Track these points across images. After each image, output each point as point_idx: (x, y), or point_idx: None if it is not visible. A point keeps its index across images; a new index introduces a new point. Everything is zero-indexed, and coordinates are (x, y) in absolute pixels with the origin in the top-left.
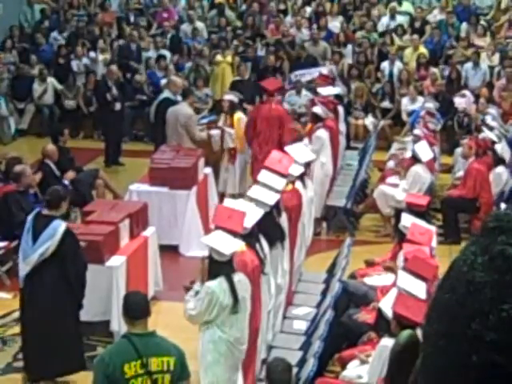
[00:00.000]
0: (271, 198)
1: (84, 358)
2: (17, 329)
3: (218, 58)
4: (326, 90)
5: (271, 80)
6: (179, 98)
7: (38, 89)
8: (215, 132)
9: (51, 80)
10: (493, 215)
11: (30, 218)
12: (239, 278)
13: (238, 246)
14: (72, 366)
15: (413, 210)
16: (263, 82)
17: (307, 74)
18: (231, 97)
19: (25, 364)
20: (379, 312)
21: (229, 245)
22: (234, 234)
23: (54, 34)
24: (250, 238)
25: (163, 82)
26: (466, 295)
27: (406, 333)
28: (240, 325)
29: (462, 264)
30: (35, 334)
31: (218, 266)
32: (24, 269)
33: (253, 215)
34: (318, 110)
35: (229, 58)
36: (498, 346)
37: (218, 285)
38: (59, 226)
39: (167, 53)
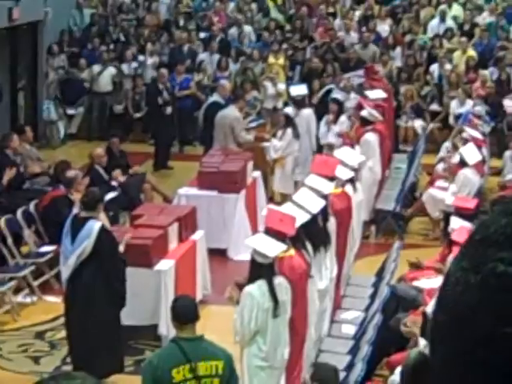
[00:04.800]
0: (315, 206)
1: (123, 359)
2: (65, 332)
3: (271, 59)
4: (374, 94)
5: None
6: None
7: (97, 69)
8: (267, 144)
9: (111, 70)
10: (478, 225)
11: (67, 221)
12: (279, 281)
13: (282, 248)
14: (112, 367)
15: (461, 213)
16: (368, 67)
17: (356, 77)
18: (289, 110)
19: (73, 366)
20: (424, 316)
21: (273, 247)
22: (284, 237)
23: (102, 47)
24: (298, 241)
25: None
26: (466, 320)
27: (413, 352)
28: (279, 329)
29: (455, 283)
30: (78, 335)
31: (259, 269)
32: (65, 272)
33: (298, 219)
34: (365, 113)
35: (281, 61)
36: (507, 371)
37: (258, 288)
38: (94, 225)
39: (217, 56)
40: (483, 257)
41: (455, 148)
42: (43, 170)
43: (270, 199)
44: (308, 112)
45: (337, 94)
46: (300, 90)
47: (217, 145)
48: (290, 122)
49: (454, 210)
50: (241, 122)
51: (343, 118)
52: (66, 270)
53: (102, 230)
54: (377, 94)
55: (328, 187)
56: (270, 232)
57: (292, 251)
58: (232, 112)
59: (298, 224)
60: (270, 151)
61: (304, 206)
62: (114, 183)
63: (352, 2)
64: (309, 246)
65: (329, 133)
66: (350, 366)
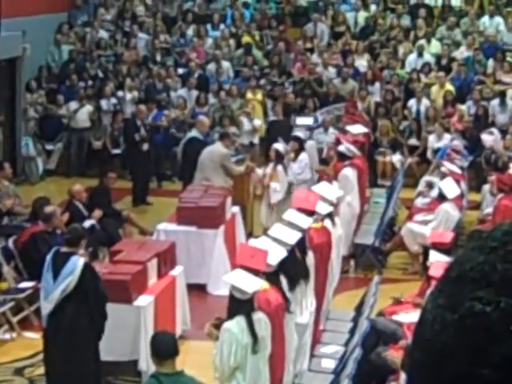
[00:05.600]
0: (292, 237)
1: None
2: (44, 369)
3: (249, 95)
4: (355, 128)
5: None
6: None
7: (74, 107)
8: (255, 176)
9: (88, 107)
10: (453, 261)
11: (48, 256)
12: (259, 316)
13: (260, 284)
14: None
15: (438, 247)
16: (349, 101)
17: (334, 110)
18: (280, 146)
19: None
20: (406, 350)
21: (251, 283)
22: (257, 272)
23: (80, 83)
24: (273, 276)
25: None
26: (442, 359)
27: None
28: (258, 364)
29: (432, 320)
30: (58, 371)
31: (238, 305)
32: (47, 307)
33: (276, 254)
34: (343, 148)
35: (259, 96)
36: None
37: (236, 324)
38: (78, 261)
39: (195, 92)
40: (460, 295)
41: (430, 187)
42: (21, 212)
43: (250, 234)
44: (311, 144)
45: (298, 132)
46: (306, 121)
47: (200, 177)
48: (280, 158)
49: (430, 245)
50: (230, 158)
51: (303, 155)
52: (47, 305)
53: (86, 265)
54: (358, 128)
55: (306, 222)
56: (242, 269)
57: (266, 285)
58: (219, 149)
59: (276, 260)
60: (272, 196)
61: (280, 239)
62: (92, 221)
63: (329, 37)
64: (283, 281)
65: (288, 170)
66: None
